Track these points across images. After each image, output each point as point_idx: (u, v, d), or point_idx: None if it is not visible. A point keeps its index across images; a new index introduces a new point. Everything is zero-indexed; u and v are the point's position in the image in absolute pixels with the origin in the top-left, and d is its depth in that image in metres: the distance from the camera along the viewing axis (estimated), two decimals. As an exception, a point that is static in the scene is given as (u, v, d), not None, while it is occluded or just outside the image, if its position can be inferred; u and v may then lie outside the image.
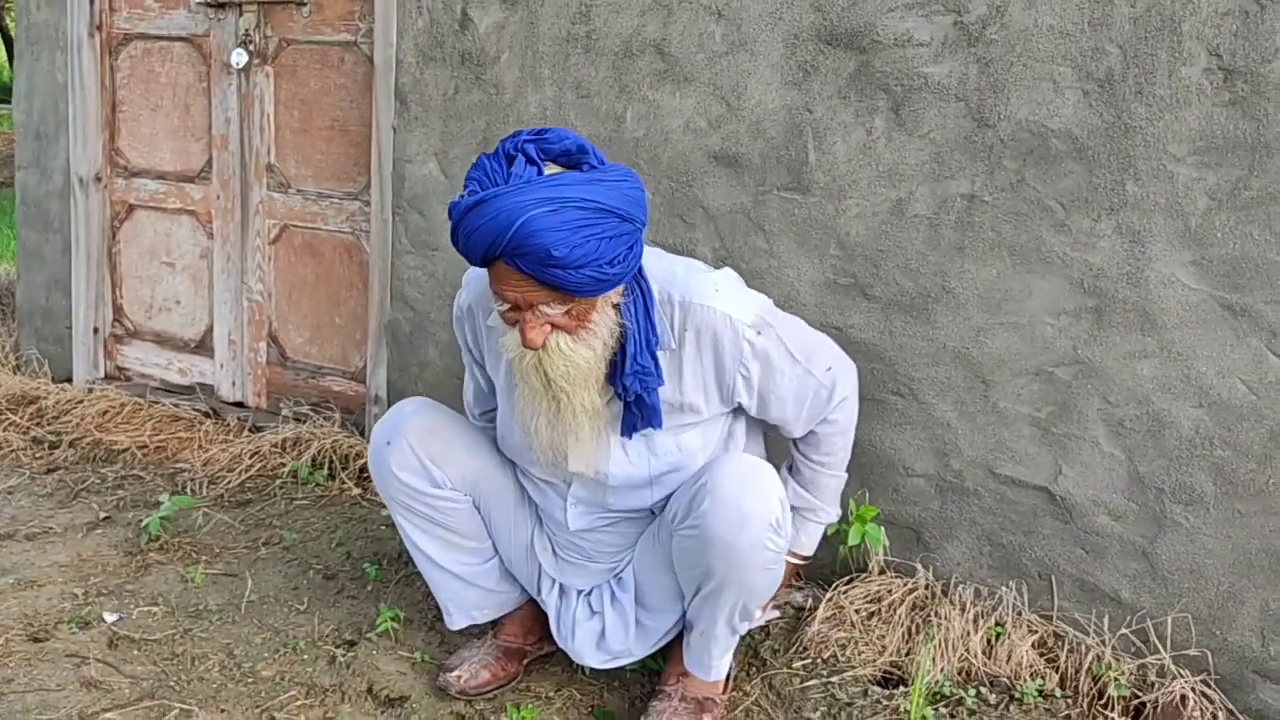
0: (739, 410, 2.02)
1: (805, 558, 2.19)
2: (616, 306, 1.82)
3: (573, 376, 1.78)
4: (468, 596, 2.20)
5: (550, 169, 1.72)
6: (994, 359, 2.31)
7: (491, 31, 2.82)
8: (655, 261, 1.91)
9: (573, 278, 1.66)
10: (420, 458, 2.05)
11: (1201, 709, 2.08)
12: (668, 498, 1.99)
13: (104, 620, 2.35)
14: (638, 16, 2.61)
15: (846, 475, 2.16)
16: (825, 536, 2.21)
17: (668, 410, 1.91)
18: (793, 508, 2.03)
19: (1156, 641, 2.20)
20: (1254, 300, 2.07)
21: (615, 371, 1.83)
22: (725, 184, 2.56)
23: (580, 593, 2.14)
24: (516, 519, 2.14)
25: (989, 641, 2.24)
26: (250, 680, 2.16)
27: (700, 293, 1.87)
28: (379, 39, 3.01)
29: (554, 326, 1.74)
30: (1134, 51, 2.11)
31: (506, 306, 1.75)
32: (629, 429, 1.90)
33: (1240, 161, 2.06)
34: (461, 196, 1.71)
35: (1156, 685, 2.13)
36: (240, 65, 3.36)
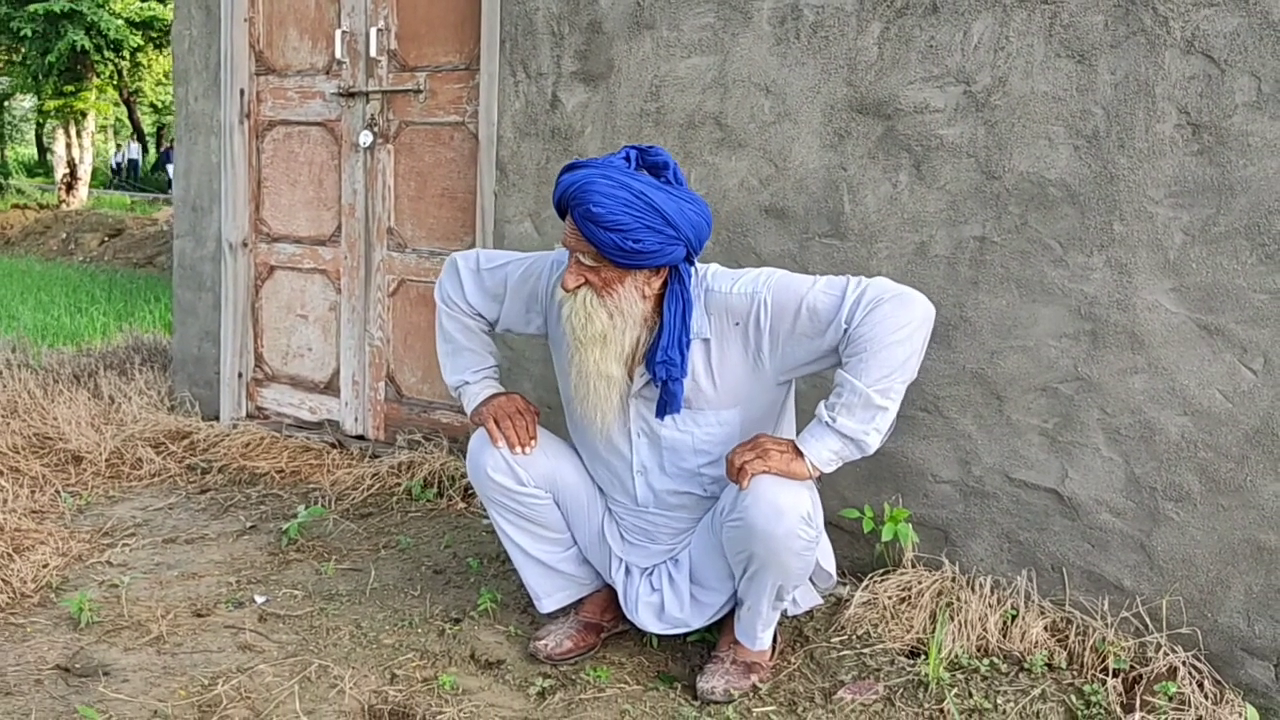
0: (788, 391, 2.39)
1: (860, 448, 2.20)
2: (651, 300, 2.24)
3: (588, 333, 2.22)
4: (553, 581, 2.61)
5: (641, 173, 2.22)
6: (1006, 378, 2.66)
7: (577, 110, 3.31)
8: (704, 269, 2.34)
9: (601, 236, 2.13)
10: (507, 460, 2.48)
11: (1191, 679, 2.37)
12: (716, 472, 2.37)
13: (254, 601, 2.82)
14: (699, 94, 3.06)
15: (888, 405, 2.13)
16: (863, 536, 2.55)
17: (711, 392, 2.30)
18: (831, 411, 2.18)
19: (1154, 623, 2.49)
20: (1226, 321, 2.40)
21: (651, 358, 2.25)
22: (774, 233, 2.98)
23: (643, 571, 2.53)
24: (590, 510, 2.56)
25: (1005, 623, 2.55)
26: (375, 646, 2.60)
27: (715, 283, 2.29)
28: (483, 119, 3.53)
29: (587, 281, 2.21)
30: (1115, 111, 2.48)
31: (560, 246, 2.27)
32: (660, 411, 2.31)
33: (1209, 202, 2.40)
34: None
35: (1153, 660, 2.42)
36: (366, 144, 3.92)
